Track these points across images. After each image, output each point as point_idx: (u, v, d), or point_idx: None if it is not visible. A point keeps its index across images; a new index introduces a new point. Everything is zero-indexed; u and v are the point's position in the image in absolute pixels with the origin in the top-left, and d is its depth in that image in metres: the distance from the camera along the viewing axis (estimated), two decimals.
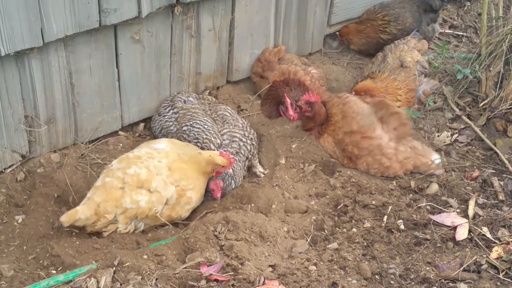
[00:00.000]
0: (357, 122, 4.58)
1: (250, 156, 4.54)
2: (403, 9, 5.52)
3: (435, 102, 5.13)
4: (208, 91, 5.11)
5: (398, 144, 4.52)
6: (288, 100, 4.70)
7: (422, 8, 5.62)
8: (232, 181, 4.35)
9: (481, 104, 5.12)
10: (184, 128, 4.50)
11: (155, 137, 4.71)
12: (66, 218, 3.78)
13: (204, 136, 4.42)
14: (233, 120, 4.61)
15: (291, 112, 4.69)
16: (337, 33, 5.74)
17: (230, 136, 4.47)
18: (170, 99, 4.78)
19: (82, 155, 4.46)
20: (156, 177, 3.94)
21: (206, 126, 4.48)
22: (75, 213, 3.80)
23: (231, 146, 4.42)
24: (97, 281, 3.53)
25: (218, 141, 4.42)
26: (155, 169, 3.95)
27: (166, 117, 4.65)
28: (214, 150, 4.36)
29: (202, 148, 4.37)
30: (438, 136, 4.89)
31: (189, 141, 4.43)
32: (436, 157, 4.56)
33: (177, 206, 4.07)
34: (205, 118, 4.54)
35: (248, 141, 4.52)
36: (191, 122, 4.51)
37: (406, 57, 5.08)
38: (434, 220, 4.11)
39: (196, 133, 4.44)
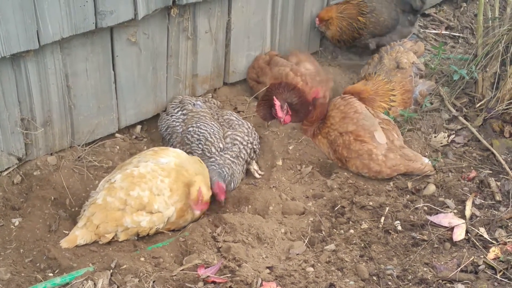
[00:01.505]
0: (356, 123, 4.58)
1: (249, 159, 4.54)
2: (380, 4, 5.46)
3: (431, 103, 5.13)
4: (211, 94, 5.10)
5: (388, 151, 4.51)
6: (277, 103, 4.75)
7: (400, 7, 5.53)
8: (232, 184, 4.35)
9: (478, 104, 5.12)
10: (190, 129, 4.50)
11: (160, 135, 4.73)
12: (66, 244, 3.84)
13: (209, 138, 4.42)
14: (239, 126, 4.61)
15: (280, 114, 4.78)
16: (316, 19, 5.52)
17: (231, 139, 4.47)
18: (179, 100, 4.78)
19: (78, 157, 4.45)
20: (157, 198, 3.91)
21: (212, 130, 4.48)
22: (75, 239, 3.85)
23: (232, 150, 4.43)
24: (94, 283, 3.53)
25: (221, 145, 4.42)
26: (157, 190, 3.91)
27: (174, 117, 4.66)
28: (215, 152, 4.36)
29: (202, 150, 4.37)
30: (435, 137, 4.89)
31: (192, 142, 4.43)
32: (426, 160, 4.55)
33: (175, 224, 4.07)
34: (212, 122, 4.55)
35: (249, 145, 4.52)
36: (198, 124, 4.51)
37: (402, 58, 5.08)
38: (431, 221, 4.11)
39: (200, 134, 4.44)
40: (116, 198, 3.86)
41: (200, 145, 4.41)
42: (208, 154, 4.36)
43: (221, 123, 4.63)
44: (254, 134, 4.66)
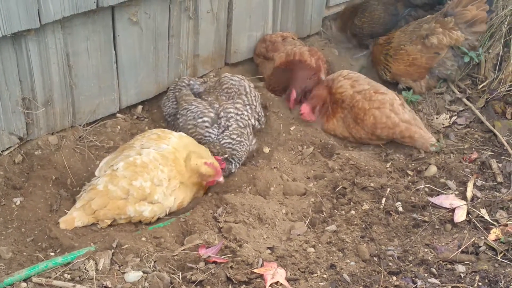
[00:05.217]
0: (369, 83, 4.70)
1: (254, 122, 4.57)
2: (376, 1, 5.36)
3: (440, 87, 5.12)
4: (213, 74, 5.07)
5: (404, 109, 4.58)
6: (293, 96, 4.79)
7: (401, 1, 5.36)
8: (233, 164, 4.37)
9: (480, 86, 5.11)
10: (178, 116, 4.50)
11: (164, 118, 4.73)
12: (64, 225, 3.85)
13: (189, 121, 4.39)
14: (237, 95, 4.57)
15: (292, 105, 4.86)
16: None
17: (225, 113, 4.43)
18: (174, 86, 4.74)
19: (80, 137, 4.44)
20: (157, 189, 3.90)
21: (191, 109, 4.43)
22: (72, 220, 3.84)
23: (232, 127, 4.39)
24: (96, 263, 3.54)
25: (209, 116, 4.39)
26: (158, 180, 3.90)
27: (170, 102, 4.67)
28: (204, 129, 4.35)
29: (192, 134, 4.34)
30: (436, 118, 4.89)
31: (181, 131, 4.40)
32: (434, 140, 4.57)
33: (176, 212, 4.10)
34: (193, 102, 4.48)
35: (245, 112, 4.50)
36: (180, 111, 4.49)
37: (433, 39, 4.91)
38: (432, 202, 4.11)
39: (182, 121, 4.43)
40: (118, 187, 3.84)
41: (188, 131, 4.38)
42: (200, 137, 4.34)
43: (219, 94, 4.59)
44: (254, 95, 4.64)
